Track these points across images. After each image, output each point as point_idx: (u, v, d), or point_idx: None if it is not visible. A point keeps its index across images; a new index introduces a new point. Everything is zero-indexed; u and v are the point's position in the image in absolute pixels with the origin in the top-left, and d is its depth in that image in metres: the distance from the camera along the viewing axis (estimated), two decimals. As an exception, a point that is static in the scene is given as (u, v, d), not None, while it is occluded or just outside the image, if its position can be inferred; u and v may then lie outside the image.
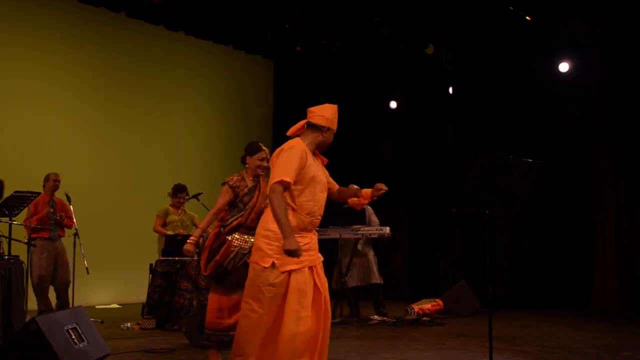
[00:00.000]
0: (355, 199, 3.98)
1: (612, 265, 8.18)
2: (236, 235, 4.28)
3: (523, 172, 3.66)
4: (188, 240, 4.37)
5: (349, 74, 10.84)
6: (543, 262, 8.92)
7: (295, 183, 3.51)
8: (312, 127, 3.68)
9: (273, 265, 3.44)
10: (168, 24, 9.82)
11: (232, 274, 4.24)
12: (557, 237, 8.86)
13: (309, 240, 3.58)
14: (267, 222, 3.54)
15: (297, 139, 3.66)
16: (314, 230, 3.67)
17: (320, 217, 3.67)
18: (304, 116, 3.72)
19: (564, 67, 8.68)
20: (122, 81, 9.68)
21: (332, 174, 3.89)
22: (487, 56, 9.44)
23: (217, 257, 4.22)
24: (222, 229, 4.30)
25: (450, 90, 10.05)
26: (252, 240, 4.10)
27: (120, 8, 9.30)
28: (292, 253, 3.34)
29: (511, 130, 9.19)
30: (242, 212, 4.29)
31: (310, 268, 3.52)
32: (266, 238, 3.50)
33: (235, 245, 4.24)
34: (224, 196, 4.33)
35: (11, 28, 8.56)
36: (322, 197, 3.67)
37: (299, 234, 3.51)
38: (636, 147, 8.21)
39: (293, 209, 3.54)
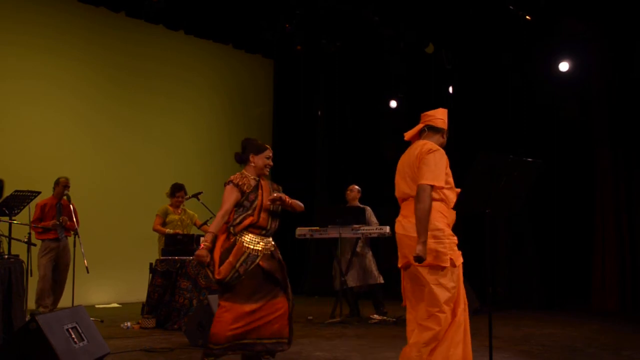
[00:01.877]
0: None
1: (612, 265, 8.17)
2: (248, 236, 4.04)
3: (523, 172, 3.66)
4: (201, 246, 4.03)
5: (349, 73, 10.83)
6: (543, 262, 8.92)
7: (446, 182, 3.61)
8: (433, 130, 3.80)
9: (452, 263, 3.52)
10: (168, 24, 9.85)
11: (245, 279, 3.97)
12: (557, 237, 8.85)
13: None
14: (430, 222, 3.49)
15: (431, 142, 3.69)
16: None
17: None
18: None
19: (564, 66, 8.68)
20: (122, 81, 9.69)
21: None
22: (487, 56, 9.43)
23: (230, 258, 3.95)
24: (231, 230, 4.05)
25: (450, 90, 10.04)
26: (264, 242, 4.06)
27: (120, 7, 9.32)
28: (420, 259, 3.41)
29: (511, 130, 9.18)
30: (250, 211, 4.06)
31: None
32: (436, 238, 3.50)
33: (246, 246, 4.01)
34: (231, 195, 4.06)
35: (11, 28, 8.57)
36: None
37: (450, 232, 3.61)
38: (636, 147, 8.21)
39: (448, 206, 3.61)
